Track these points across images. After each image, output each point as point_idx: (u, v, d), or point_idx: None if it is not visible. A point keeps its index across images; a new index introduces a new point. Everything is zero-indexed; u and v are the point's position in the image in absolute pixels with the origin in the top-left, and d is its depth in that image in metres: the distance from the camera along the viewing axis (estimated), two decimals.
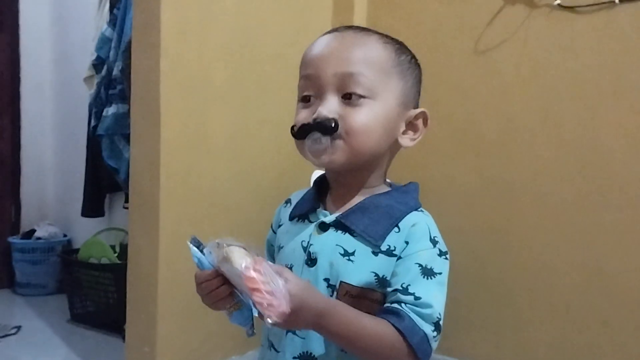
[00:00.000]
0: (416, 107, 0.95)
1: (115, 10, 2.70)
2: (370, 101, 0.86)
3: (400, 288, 0.83)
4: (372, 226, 0.87)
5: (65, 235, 3.40)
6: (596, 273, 1.73)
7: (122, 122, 2.59)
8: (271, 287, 0.71)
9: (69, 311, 2.80)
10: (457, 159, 2.00)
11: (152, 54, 1.75)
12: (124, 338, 1.91)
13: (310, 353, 0.86)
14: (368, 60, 0.88)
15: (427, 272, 0.85)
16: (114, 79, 2.67)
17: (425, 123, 0.93)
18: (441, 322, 0.84)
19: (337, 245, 0.87)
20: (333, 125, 0.85)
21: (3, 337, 2.53)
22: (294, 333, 0.87)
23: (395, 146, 0.93)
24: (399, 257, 0.86)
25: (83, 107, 2.99)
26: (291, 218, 0.95)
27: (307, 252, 0.89)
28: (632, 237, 1.68)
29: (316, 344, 0.86)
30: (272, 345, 0.91)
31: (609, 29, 1.72)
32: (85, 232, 3.09)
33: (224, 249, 0.77)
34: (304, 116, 0.88)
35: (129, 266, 1.87)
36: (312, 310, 0.76)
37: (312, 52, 0.91)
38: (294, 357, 0.87)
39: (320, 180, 0.97)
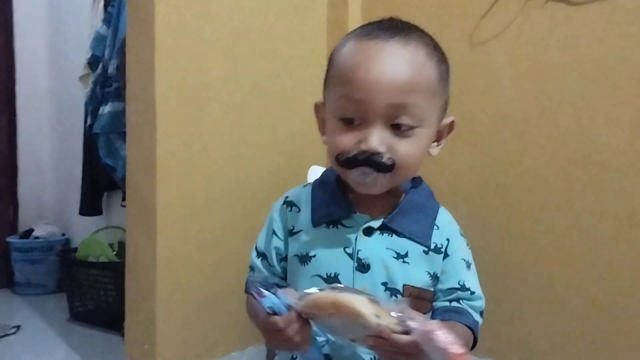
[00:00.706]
0: (446, 111, 0.92)
1: (109, 8, 2.68)
2: (419, 130, 0.83)
3: (458, 286, 0.89)
4: (417, 226, 0.89)
5: (63, 235, 3.40)
6: (593, 264, 1.74)
7: (119, 121, 2.58)
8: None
9: (69, 310, 2.81)
10: (452, 151, 2.00)
11: (146, 51, 1.75)
12: (123, 336, 1.92)
13: None
14: (419, 86, 0.83)
15: (469, 265, 0.92)
16: (110, 77, 2.66)
17: (450, 131, 0.92)
18: (484, 310, 0.93)
19: (387, 248, 0.87)
20: (389, 162, 0.82)
21: (3, 336, 2.53)
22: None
23: None
24: (446, 255, 0.90)
25: (79, 106, 2.99)
26: (317, 224, 0.91)
27: (355, 258, 0.87)
28: (629, 227, 1.68)
29: None
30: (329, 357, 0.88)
31: (605, 21, 1.71)
32: (84, 230, 3.09)
33: (330, 297, 0.72)
34: (349, 143, 0.83)
35: (127, 264, 1.87)
36: None
37: (356, 69, 0.83)
38: None
39: (334, 180, 0.93)
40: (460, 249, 0.92)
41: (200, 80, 1.85)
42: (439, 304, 0.89)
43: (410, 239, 0.88)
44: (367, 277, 0.86)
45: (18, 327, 2.65)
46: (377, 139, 0.81)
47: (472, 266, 0.93)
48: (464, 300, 0.89)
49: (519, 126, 1.87)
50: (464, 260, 0.92)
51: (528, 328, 1.85)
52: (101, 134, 2.69)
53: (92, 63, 2.77)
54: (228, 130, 1.93)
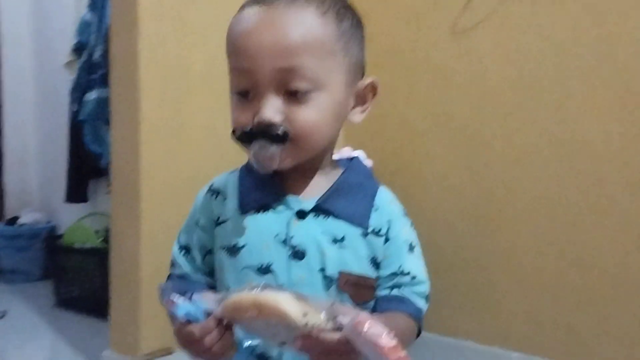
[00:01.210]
0: (364, 72, 0.86)
1: None
2: (317, 93, 0.77)
3: (398, 271, 0.83)
4: (354, 208, 0.82)
5: (49, 222, 3.39)
6: (573, 252, 1.76)
7: (104, 108, 2.57)
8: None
9: (55, 297, 2.81)
10: (434, 141, 2.02)
11: (130, 37, 1.75)
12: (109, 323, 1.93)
13: None
14: (309, 46, 0.76)
15: (412, 248, 0.86)
16: (95, 64, 2.66)
17: (374, 93, 0.86)
18: (429, 294, 0.86)
19: (323, 232, 0.81)
20: (282, 132, 0.75)
21: None
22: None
23: (343, 122, 0.85)
24: (387, 238, 0.83)
25: (64, 93, 2.98)
26: (245, 211, 0.83)
27: (288, 245, 0.80)
28: (609, 215, 1.71)
29: None
30: (262, 356, 0.81)
31: (586, 11, 1.73)
32: (69, 218, 3.09)
33: (250, 297, 0.65)
34: (244, 117, 0.79)
35: (112, 249, 1.88)
36: None
37: (241, 37, 0.79)
38: None
39: None
40: (403, 232, 0.85)
41: (184, 65, 1.85)
42: (380, 292, 0.83)
43: (346, 220, 0.81)
44: (303, 265, 0.79)
45: (4, 312, 2.65)
46: (271, 109, 0.76)
47: (417, 248, 0.86)
48: (406, 286, 0.83)
49: (502, 115, 1.89)
50: (407, 242, 0.85)
51: (509, 313, 1.88)
52: (87, 120, 2.69)
53: (78, 49, 2.77)
54: (212, 117, 1.94)
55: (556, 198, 1.79)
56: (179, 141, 1.86)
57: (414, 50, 2.02)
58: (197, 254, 0.88)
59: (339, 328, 0.64)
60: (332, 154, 0.88)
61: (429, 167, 2.02)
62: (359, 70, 0.85)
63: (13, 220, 3.34)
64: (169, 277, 0.90)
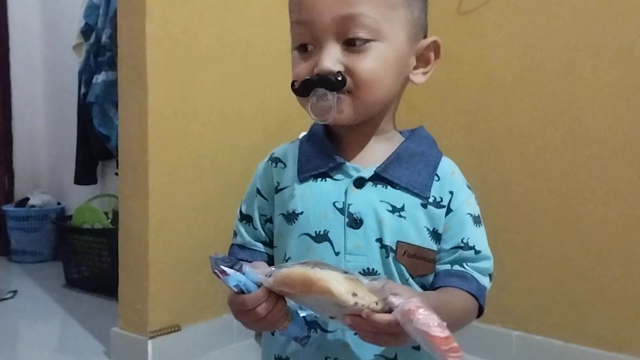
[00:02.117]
0: (426, 35, 0.84)
1: None
2: (377, 44, 0.76)
3: (462, 244, 0.80)
4: (415, 177, 0.80)
5: (58, 203, 3.43)
6: (573, 229, 1.78)
7: (112, 90, 2.60)
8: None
9: (64, 276, 2.86)
10: (437, 122, 2.03)
11: (137, 18, 1.77)
12: (118, 300, 1.95)
13: None
14: None
15: (477, 221, 0.82)
16: (103, 46, 2.67)
17: (437, 54, 0.84)
18: (492, 272, 0.83)
19: (381, 201, 0.78)
20: (340, 78, 0.74)
21: (0, 300, 2.58)
22: None
23: (405, 84, 0.83)
24: (449, 210, 0.80)
25: (73, 75, 3.00)
26: (304, 179, 0.82)
27: (346, 213, 0.78)
28: (609, 193, 1.72)
29: None
30: (316, 326, 0.79)
31: None
32: (78, 199, 3.13)
33: (301, 275, 0.65)
34: (304, 69, 0.77)
35: (120, 228, 1.91)
36: None
37: None
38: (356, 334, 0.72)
39: (322, 130, 0.85)
40: (467, 204, 0.81)
41: (190, 46, 1.87)
42: (440, 266, 0.80)
43: (406, 190, 0.79)
44: (360, 234, 0.77)
45: (15, 292, 2.70)
46: (330, 59, 0.75)
47: (481, 222, 0.82)
48: (468, 263, 0.80)
49: (506, 93, 1.90)
50: (471, 215, 0.81)
51: (510, 292, 1.90)
52: (95, 103, 2.71)
53: (86, 32, 2.78)
54: (218, 97, 1.96)
55: (559, 178, 1.80)
56: (187, 122, 1.88)
57: None
58: (257, 222, 0.87)
59: (389, 309, 0.63)
60: (393, 119, 0.86)
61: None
62: (421, 28, 0.83)
63: (23, 202, 3.38)
64: (231, 246, 0.90)
